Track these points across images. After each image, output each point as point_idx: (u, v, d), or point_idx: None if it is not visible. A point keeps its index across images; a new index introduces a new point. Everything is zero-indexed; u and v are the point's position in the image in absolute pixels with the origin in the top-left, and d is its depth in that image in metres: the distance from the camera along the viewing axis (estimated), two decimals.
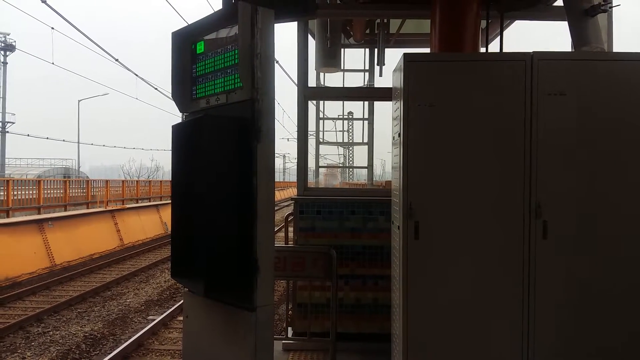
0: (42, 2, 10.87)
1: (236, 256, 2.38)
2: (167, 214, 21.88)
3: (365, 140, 9.52)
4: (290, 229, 4.97)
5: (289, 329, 4.89)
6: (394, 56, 6.94)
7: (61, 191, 19.36)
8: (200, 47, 2.70)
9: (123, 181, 26.16)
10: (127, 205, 21.36)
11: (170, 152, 2.69)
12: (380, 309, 4.57)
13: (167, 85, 2.84)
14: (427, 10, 4.18)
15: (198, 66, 2.72)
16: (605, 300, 3.14)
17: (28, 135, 37.43)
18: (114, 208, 19.23)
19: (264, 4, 2.35)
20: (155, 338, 7.75)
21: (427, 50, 4.92)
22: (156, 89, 18.47)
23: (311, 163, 7.12)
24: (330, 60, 6.57)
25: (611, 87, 3.13)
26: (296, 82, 4.89)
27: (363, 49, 7.77)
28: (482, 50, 4.49)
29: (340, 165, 25.49)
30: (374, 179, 10.40)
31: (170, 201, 3.08)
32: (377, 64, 7.01)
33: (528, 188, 3.15)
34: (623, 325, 3.14)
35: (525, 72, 3.14)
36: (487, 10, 4.25)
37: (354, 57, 8.15)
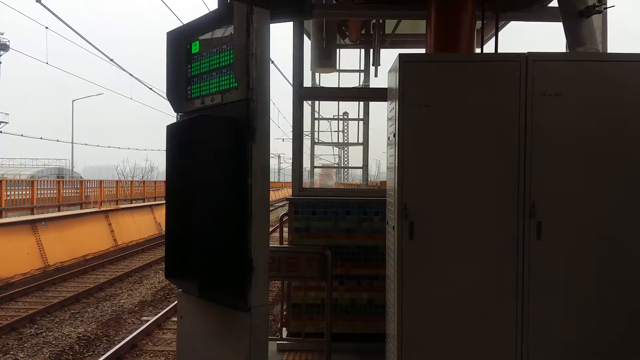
0: (37, 1, 10.80)
1: (231, 256, 2.37)
2: (161, 215, 21.81)
3: (361, 140, 9.52)
4: (285, 229, 4.96)
5: (284, 329, 4.88)
6: (389, 57, 6.94)
7: (55, 191, 19.28)
8: (195, 47, 2.70)
9: (117, 181, 26.08)
10: (121, 206, 21.27)
11: (165, 152, 2.68)
12: (375, 309, 4.57)
13: (162, 85, 2.83)
14: (422, 10, 4.19)
15: (193, 66, 2.71)
16: (602, 300, 3.15)
17: (22, 135, 37.22)
18: (107, 208, 19.14)
19: (259, 4, 2.34)
20: (149, 339, 7.71)
21: (422, 50, 4.93)
22: (151, 89, 18.40)
23: (306, 163, 7.11)
24: (325, 60, 6.56)
25: (606, 87, 3.14)
26: (291, 82, 4.88)
27: (358, 50, 7.77)
28: (478, 50, 4.51)
29: (336, 165, 25.51)
30: (369, 180, 10.40)
31: (164, 201, 3.06)
32: (373, 65, 7.01)
33: (522, 189, 3.16)
34: (620, 326, 3.15)
35: (520, 72, 3.15)
36: (483, 11, 4.27)
37: (350, 57, 8.14)
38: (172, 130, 2.64)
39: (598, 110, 3.15)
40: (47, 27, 18.41)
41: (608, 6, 3.96)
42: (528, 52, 3.16)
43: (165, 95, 2.84)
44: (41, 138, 39.35)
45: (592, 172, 3.15)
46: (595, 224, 3.16)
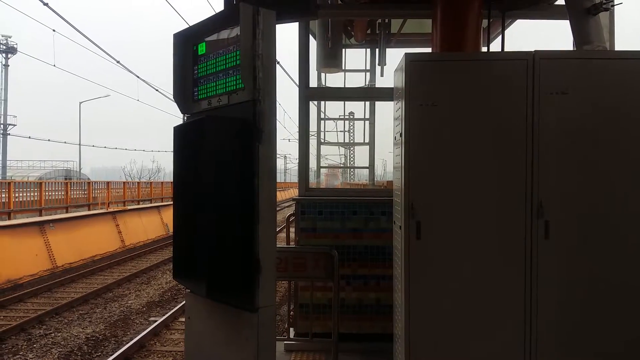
0: (44, 4, 10.87)
1: (238, 257, 2.38)
2: (168, 215, 21.88)
3: (367, 140, 9.51)
4: (292, 229, 4.96)
5: (291, 329, 4.88)
6: (395, 56, 6.95)
7: (62, 193, 19.38)
8: (201, 49, 2.70)
9: (124, 183, 26.18)
10: (129, 207, 21.35)
11: (172, 153, 2.69)
12: (383, 309, 4.57)
13: (168, 87, 2.85)
14: (428, 10, 4.18)
15: (199, 67, 2.72)
16: (609, 301, 3.13)
17: (29, 137, 37.53)
18: (115, 209, 19.23)
19: (265, 5, 2.35)
20: (157, 339, 7.75)
21: (428, 49, 4.92)
22: (157, 90, 18.50)
23: (312, 163, 7.12)
24: (331, 60, 6.57)
25: (613, 85, 3.12)
26: (297, 82, 4.89)
27: (364, 49, 7.77)
28: (484, 49, 4.49)
29: (342, 165, 25.48)
30: (375, 179, 10.39)
31: (171, 202, 3.08)
32: (379, 64, 7.02)
33: (530, 188, 3.14)
34: (628, 326, 3.13)
35: (527, 71, 3.14)
36: (489, 10, 4.25)
37: (355, 57, 8.15)
38: (179, 131, 2.65)
39: (605, 109, 3.13)
40: (54, 30, 18.55)
41: (615, 3, 3.93)
42: (535, 51, 3.15)
43: (172, 97, 2.85)
44: (49, 140, 39.68)
45: (599, 171, 3.13)
46: (604, 223, 3.14)
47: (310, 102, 5.03)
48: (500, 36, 4.56)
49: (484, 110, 3.18)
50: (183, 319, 8.05)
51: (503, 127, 3.18)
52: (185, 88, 2.79)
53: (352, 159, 24.68)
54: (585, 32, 3.68)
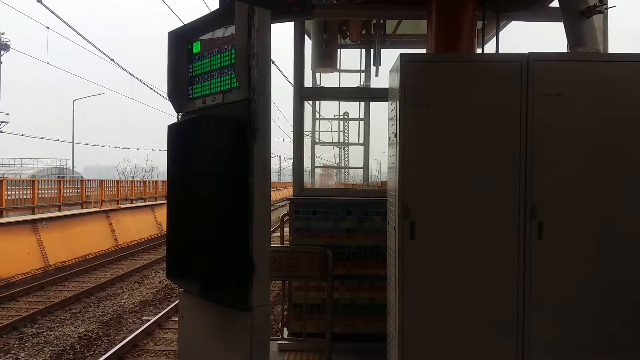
0: (37, 1, 10.80)
1: (232, 256, 2.37)
2: (161, 214, 21.82)
3: (361, 140, 9.50)
4: (286, 229, 4.96)
5: (285, 329, 4.88)
6: (390, 56, 6.93)
7: (55, 191, 19.26)
8: (196, 47, 2.70)
9: (117, 181, 26.05)
10: (122, 206, 21.26)
11: (166, 152, 2.68)
12: (376, 309, 4.57)
13: (162, 85, 2.84)
14: (423, 10, 4.19)
15: (194, 66, 2.72)
16: (602, 301, 3.15)
17: (22, 135, 37.17)
18: (108, 208, 19.14)
19: (260, 4, 2.34)
20: (150, 339, 7.72)
21: (423, 50, 4.92)
22: (151, 88, 18.44)
23: (307, 163, 7.11)
24: (326, 60, 6.55)
25: (606, 87, 3.15)
26: (292, 82, 4.88)
27: (359, 49, 7.77)
28: (478, 50, 4.51)
29: (336, 165, 25.49)
30: (370, 180, 10.39)
31: (165, 201, 3.07)
32: (374, 64, 7.00)
33: (523, 189, 3.16)
34: (620, 326, 3.15)
35: (521, 72, 3.15)
36: (484, 11, 4.27)
37: (350, 57, 8.13)
38: (173, 130, 2.64)
39: (599, 111, 3.15)
40: (47, 27, 18.45)
41: (609, 6, 3.96)
42: (529, 52, 3.16)
43: (166, 95, 2.84)
44: (42, 138, 39.32)
45: (592, 172, 3.16)
46: (596, 224, 3.16)
47: (305, 102, 5.03)
48: (495, 37, 4.57)
49: (478, 111, 3.19)
50: (176, 319, 8.04)
51: (497, 128, 3.19)
52: (180, 86, 2.79)
53: (346, 159, 24.71)
54: (579, 34, 3.70)
